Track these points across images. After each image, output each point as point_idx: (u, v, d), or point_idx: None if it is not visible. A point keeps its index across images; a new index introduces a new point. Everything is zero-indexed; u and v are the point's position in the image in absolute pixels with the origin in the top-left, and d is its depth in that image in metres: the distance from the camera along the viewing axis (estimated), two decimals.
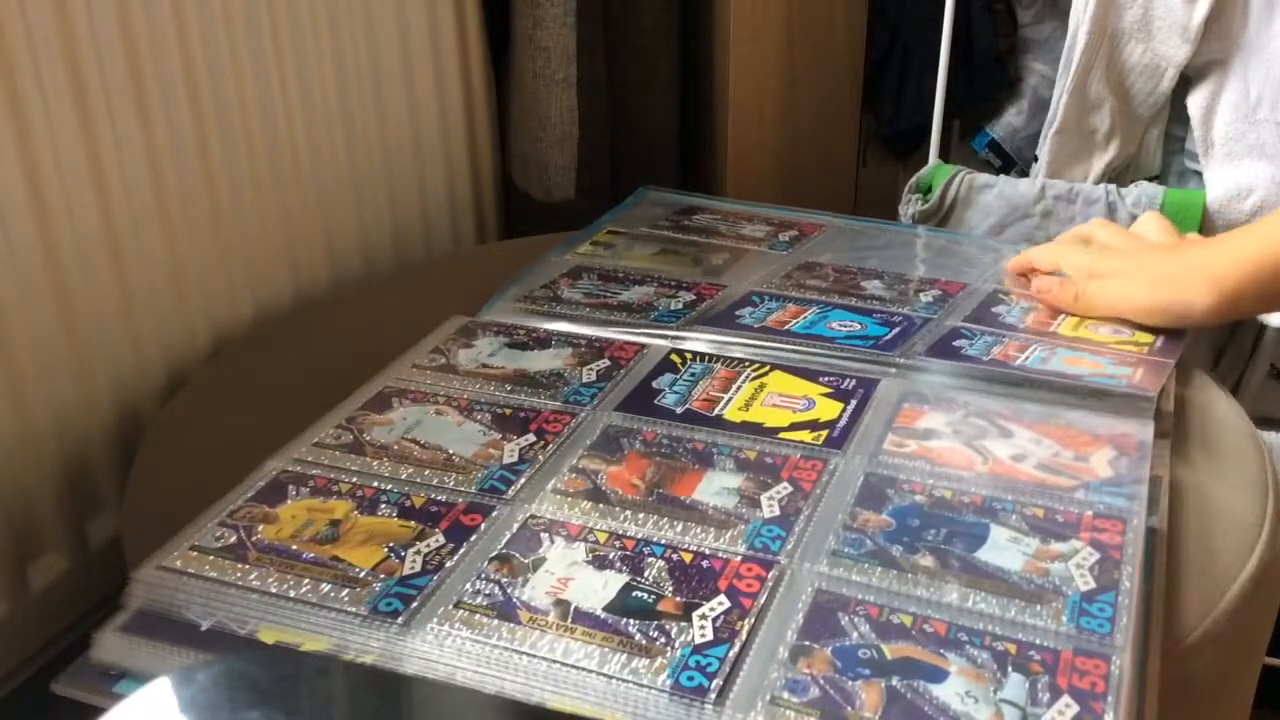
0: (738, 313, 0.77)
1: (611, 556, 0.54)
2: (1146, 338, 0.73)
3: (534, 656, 0.48)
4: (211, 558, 0.54)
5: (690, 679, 0.47)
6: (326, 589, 0.52)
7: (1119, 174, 1.04)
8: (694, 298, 0.80)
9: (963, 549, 0.54)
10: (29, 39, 0.67)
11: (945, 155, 1.08)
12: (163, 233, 0.78)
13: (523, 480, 0.60)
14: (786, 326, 0.75)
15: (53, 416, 0.73)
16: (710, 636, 0.49)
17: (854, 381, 0.69)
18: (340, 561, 0.54)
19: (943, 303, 0.79)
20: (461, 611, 0.51)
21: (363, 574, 0.53)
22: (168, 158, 0.78)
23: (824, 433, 0.64)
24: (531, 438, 0.64)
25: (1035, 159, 1.05)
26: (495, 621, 0.50)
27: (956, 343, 0.72)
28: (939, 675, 0.47)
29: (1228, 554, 0.57)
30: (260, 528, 0.56)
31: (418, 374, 0.71)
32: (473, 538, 0.56)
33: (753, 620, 0.50)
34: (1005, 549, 0.54)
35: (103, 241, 0.74)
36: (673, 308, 0.78)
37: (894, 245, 0.93)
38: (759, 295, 0.80)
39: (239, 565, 0.54)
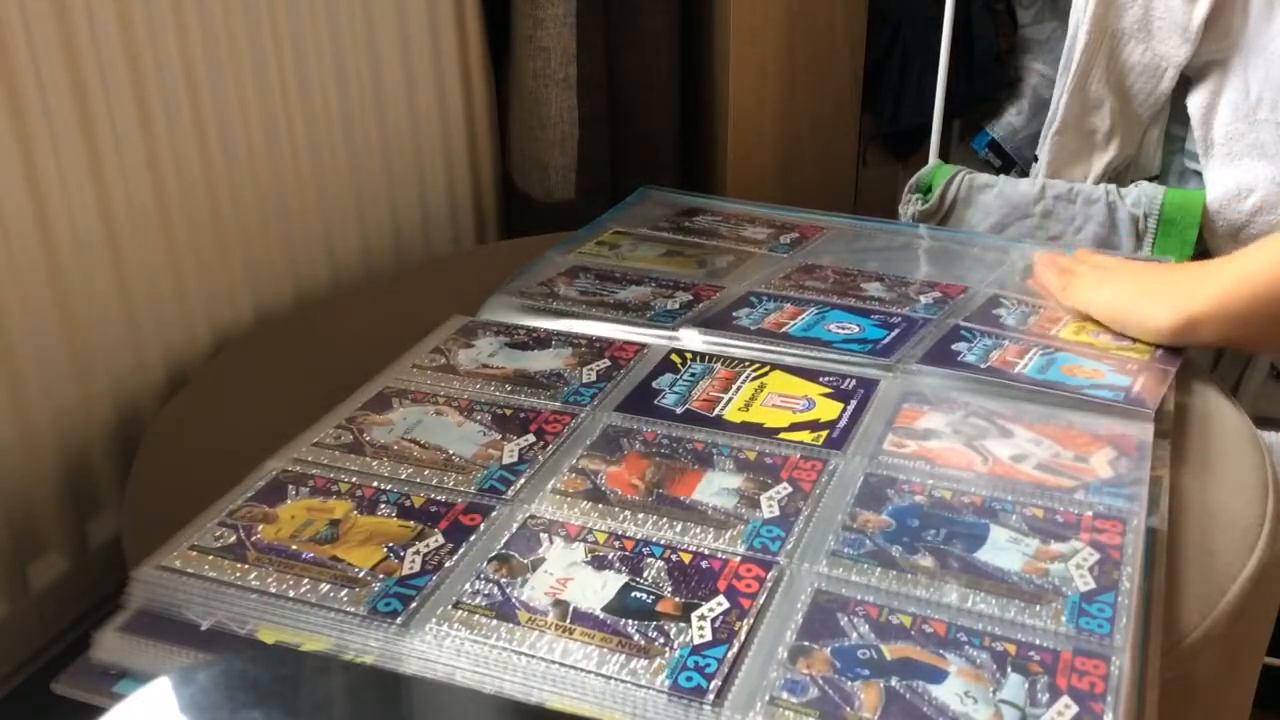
0: (735, 314, 0.77)
1: (611, 557, 0.54)
2: (1146, 347, 0.73)
3: (533, 657, 0.48)
4: (211, 557, 0.54)
5: (689, 679, 0.47)
6: (326, 589, 0.52)
7: (1119, 174, 1.04)
8: (691, 298, 0.80)
9: (962, 549, 0.54)
10: (29, 39, 0.67)
11: (945, 155, 1.07)
12: (163, 233, 0.78)
13: (522, 480, 0.60)
14: (784, 329, 0.75)
15: (53, 416, 0.73)
16: (709, 637, 0.49)
17: (854, 382, 0.69)
18: (340, 561, 0.54)
19: (942, 304, 0.79)
20: (460, 612, 0.51)
21: (362, 574, 0.53)
22: (168, 158, 0.78)
23: (824, 433, 0.64)
24: (531, 438, 0.64)
25: (1035, 159, 1.04)
26: (494, 622, 0.50)
27: (955, 346, 0.72)
28: (938, 676, 0.47)
29: (1228, 554, 0.57)
30: (260, 528, 0.56)
31: (418, 374, 0.71)
32: (472, 538, 0.56)
33: (752, 620, 0.50)
34: (1005, 549, 0.54)
35: (103, 241, 0.74)
36: (669, 308, 0.78)
37: (895, 247, 0.93)
38: (757, 296, 0.80)
39: (238, 565, 0.54)
